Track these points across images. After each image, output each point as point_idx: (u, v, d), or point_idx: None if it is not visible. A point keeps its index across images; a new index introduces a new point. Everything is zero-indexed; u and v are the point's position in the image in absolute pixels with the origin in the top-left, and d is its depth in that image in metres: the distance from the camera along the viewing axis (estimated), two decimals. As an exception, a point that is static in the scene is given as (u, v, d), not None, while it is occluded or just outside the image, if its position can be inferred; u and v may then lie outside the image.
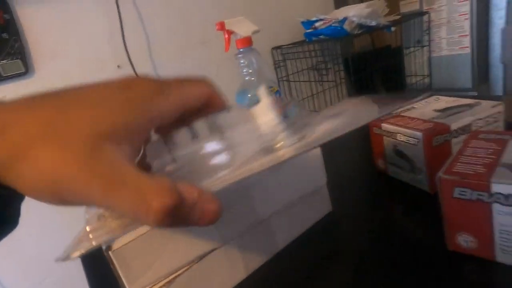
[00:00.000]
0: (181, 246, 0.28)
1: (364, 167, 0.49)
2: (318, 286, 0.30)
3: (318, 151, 0.37)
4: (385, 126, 0.42)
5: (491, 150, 0.29)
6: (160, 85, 0.19)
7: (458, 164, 0.28)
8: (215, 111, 0.23)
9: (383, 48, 1.66)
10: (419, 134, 0.36)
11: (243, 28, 0.57)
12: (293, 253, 0.35)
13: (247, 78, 0.59)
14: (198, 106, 0.21)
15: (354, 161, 0.52)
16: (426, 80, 1.45)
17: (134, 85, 0.18)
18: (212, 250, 0.30)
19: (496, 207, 0.26)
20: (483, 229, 0.27)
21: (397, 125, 0.40)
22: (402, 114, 0.43)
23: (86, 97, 0.17)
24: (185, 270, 0.29)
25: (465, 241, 0.29)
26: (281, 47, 1.38)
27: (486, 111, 0.38)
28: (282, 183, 0.34)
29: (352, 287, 0.30)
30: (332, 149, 0.63)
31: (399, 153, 0.41)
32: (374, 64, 1.68)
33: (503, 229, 0.26)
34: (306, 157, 0.35)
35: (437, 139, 0.36)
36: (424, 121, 0.39)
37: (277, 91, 0.61)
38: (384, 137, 0.42)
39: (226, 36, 0.59)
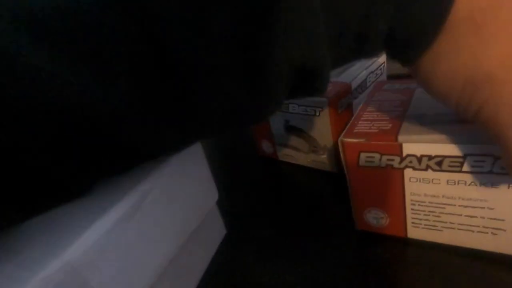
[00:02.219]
0: None
1: (245, 156, 0.36)
2: None
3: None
4: (269, 96, 0.30)
5: (397, 102, 0.21)
6: None
7: (361, 122, 0.20)
8: None
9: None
10: (323, 100, 0.26)
11: None
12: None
13: None
14: None
15: (234, 151, 0.39)
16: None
17: None
18: None
19: (408, 173, 0.18)
20: (395, 201, 0.20)
21: (286, 92, 0.29)
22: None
23: None
24: None
25: (374, 218, 0.21)
26: None
27: (375, 63, 0.32)
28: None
29: None
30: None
31: (293, 130, 0.30)
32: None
33: (415, 199, 0.19)
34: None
35: (342, 104, 0.27)
36: (318, 82, 0.29)
37: None
38: (269, 112, 0.31)
39: None
